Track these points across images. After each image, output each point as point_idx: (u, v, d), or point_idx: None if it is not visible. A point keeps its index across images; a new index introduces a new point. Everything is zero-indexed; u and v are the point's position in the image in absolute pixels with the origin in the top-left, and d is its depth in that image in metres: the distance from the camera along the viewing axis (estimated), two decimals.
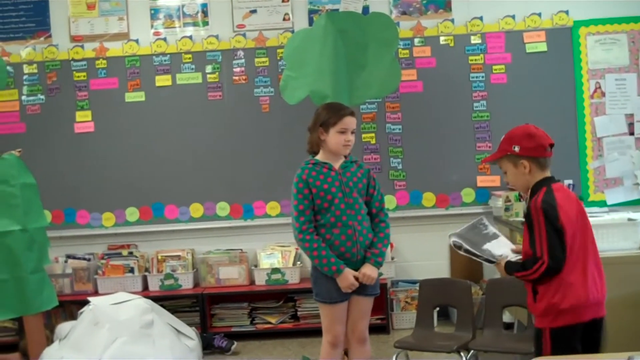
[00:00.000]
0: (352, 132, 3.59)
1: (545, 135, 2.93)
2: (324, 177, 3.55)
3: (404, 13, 5.84)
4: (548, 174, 2.92)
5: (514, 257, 2.92)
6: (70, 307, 5.58)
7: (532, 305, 2.84)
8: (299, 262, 5.69)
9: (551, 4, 5.74)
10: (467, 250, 3.02)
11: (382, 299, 5.55)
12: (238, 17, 5.88)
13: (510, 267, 2.87)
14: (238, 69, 5.84)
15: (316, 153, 3.66)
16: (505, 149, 2.92)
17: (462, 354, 3.86)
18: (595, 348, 2.82)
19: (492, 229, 3.12)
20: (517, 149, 2.87)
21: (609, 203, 5.67)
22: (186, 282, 5.67)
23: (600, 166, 5.74)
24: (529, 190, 2.91)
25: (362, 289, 3.55)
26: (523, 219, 2.87)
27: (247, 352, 5.30)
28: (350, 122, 3.57)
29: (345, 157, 3.66)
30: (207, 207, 5.86)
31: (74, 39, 5.92)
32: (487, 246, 2.99)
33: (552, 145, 2.94)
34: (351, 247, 3.52)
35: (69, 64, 5.87)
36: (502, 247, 2.99)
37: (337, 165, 3.61)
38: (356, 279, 3.50)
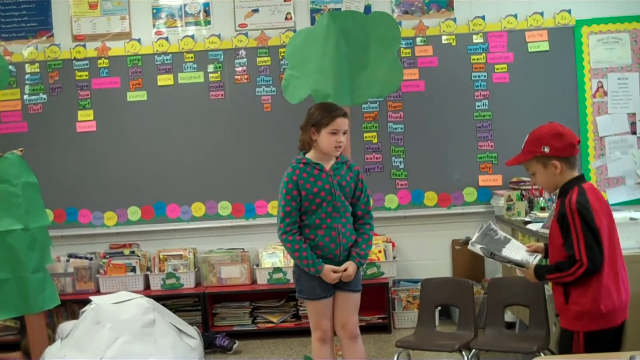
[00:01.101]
0: (344, 133, 3.59)
1: (572, 133, 2.87)
2: (315, 179, 3.56)
3: (405, 12, 5.84)
4: (577, 172, 2.87)
5: (532, 259, 2.92)
6: (72, 306, 5.59)
7: (564, 306, 2.80)
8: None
9: (553, 3, 5.73)
10: (498, 257, 2.97)
11: (383, 298, 5.56)
12: (240, 16, 5.88)
13: (542, 271, 2.83)
14: (240, 68, 5.84)
15: (308, 151, 3.66)
16: (533, 150, 2.87)
17: (463, 353, 3.85)
18: (618, 349, 2.79)
19: (501, 233, 3.11)
20: (547, 149, 2.82)
21: (611, 202, 5.61)
22: (188, 282, 5.68)
23: (602, 165, 5.73)
24: (558, 191, 2.86)
25: (344, 285, 3.61)
26: (558, 219, 2.76)
27: (249, 351, 5.31)
28: (342, 123, 3.57)
29: (337, 157, 3.66)
30: (208, 206, 5.86)
31: (76, 38, 5.92)
32: (505, 252, 2.96)
33: (579, 143, 2.89)
34: (334, 248, 3.57)
35: (71, 64, 5.87)
36: (519, 251, 2.98)
37: (328, 166, 3.61)
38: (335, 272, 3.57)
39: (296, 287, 3.70)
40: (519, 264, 2.93)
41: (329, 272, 3.55)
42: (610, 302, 2.72)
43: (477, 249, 2.99)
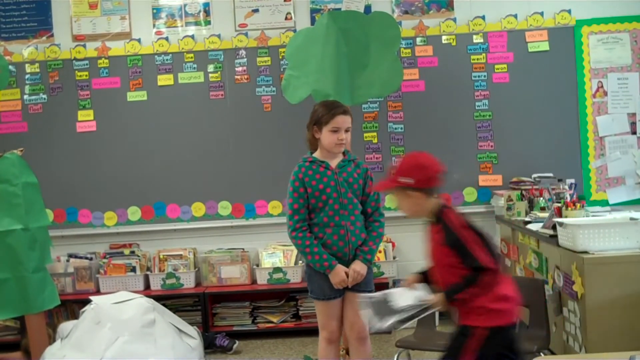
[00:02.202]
0: (347, 131, 3.59)
1: (436, 164, 2.88)
2: (320, 176, 3.57)
3: (406, 12, 5.84)
4: (439, 198, 2.90)
5: (424, 290, 2.88)
6: (72, 306, 5.60)
7: (462, 305, 2.82)
8: (300, 262, 5.68)
9: (553, 3, 5.73)
10: (401, 322, 2.86)
11: None
12: (240, 16, 5.88)
13: (450, 292, 2.80)
14: (240, 68, 5.84)
15: (315, 149, 3.67)
16: (396, 180, 2.87)
17: None
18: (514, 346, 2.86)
19: (377, 294, 2.99)
20: (409, 181, 2.83)
21: (610, 202, 5.66)
22: (188, 282, 5.68)
23: (602, 165, 5.73)
24: (433, 218, 2.88)
25: (355, 286, 3.57)
26: (447, 244, 2.80)
27: (249, 351, 5.31)
28: (342, 121, 3.56)
29: (344, 154, 3.66)
30: (209, 206, 5.86)
31: (76, 38, 5.92)
32: (399, 305, 2.86)
33: (442, 173, 2.90)
34: (343, 246, 3.55)
35: (71, 64, 5.87)
36: (405, 294, 2.90)
37: (334, 164, 3.61)
38: (347, 275, 3.54)
39: (308, 286, 3.69)
40: (422, 306, 2.85)
41: (341, 272, 3.51)
42: (507, 301, 2.80)
43: (388, 326, 2.86)
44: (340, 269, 3.52)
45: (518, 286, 3.95)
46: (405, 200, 2.90)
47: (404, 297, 2.89)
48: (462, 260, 2.76)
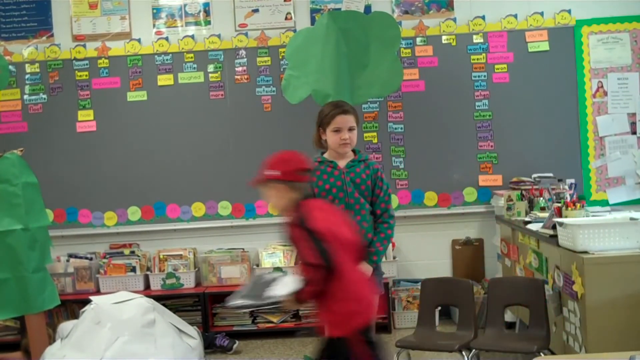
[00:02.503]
0: (351, 130, 3.58)
1: (301, 160, 3.03)
2: (327, 176, 3.58)
3: (406, 12, 5.84)
4: (304, 193, 3.02)
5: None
6: (72, 306, 5.59)
7: (326, 317, 2.89)
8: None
9: (553, 3, 5.73)
10: (245, 306, 3.03)
11: (383, 298, 5.55)
12: (240, 16, 5.88)
13: (298, 293, 2.87)
14: (240, 68, 5.84)
15: (324, 150, 3.68)
16: (265, 174, 3.01)
17: (463, 353, 3.85)
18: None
19: (272, 275, 3.11)
20: (275, 173, 2.98)
21: (610, 202, 5.66)
22: (188, 281, 5.68)
23: (602, 165, 5.73)
24: (295, 210, 2.97)
25: None
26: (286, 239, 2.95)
27: (249, 351, 5.31)
28: (342, 120, 3.57)
29: (355, 154, 3.65)
30: (209, 206, 5.86)
31: (76, 38, 5.92)
32: (270, 292, 2.94)
33: (308, 170, 3.06)
34: None
35: (71, 63, 5.87)
36: (288, 285, 2.95)
37: (342, 164, 3.61)
38: None
39: None
40: (272, 303, 2.93)
41: None
42: (362, 300, 2.89)
43: (230, 305, 2.97)
44: None
45: (518, 286, 3.97)
46: (272, 194, 3.02)
47: (283, 286, 2.95)
48: (308, 253, 2.83)
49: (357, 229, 3.54)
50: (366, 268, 3.53)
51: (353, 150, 3.68)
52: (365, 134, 5.76)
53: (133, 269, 5.69)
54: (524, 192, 5.25)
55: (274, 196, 3.02)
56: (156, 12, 5.91)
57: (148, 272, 5.73)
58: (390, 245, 5.68)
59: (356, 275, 2.96)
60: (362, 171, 3.60)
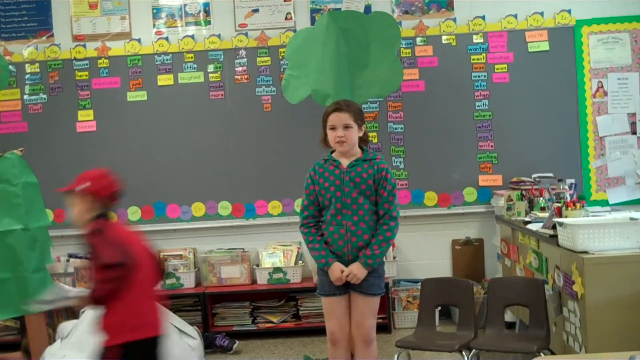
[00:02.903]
0: (347, 127, 3.57)
1: (112, 180, 3.14)
2: (328, 175, 3.59)
3: (406, 12, 5.84)
4: (106, 212, 3.11)
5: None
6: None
7: (104, 320, 2.94)
8: (300, 262, 5.69)
9: (553, 3, 5.73)
10: (41, 303, 3.08)
11: (383, 298, 5.54)
12: (240, 16, 5.88)
13: (93, 290, 2.93)
14: (240, 68, 5.84)
15: (331, 149, 3.69)
16: (74, 184, 3.07)
17: (463, 353, 3.85)
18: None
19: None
20: (85, 185, 3.05)
21: (610, 202, 5.66)
22: (188, 282, 5.68)
23: (602, 165, 5.73)
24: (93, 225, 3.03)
25: (357, 287, 3.57)
26: None
27: (249, 351, 5.31)
28: (335, 118, 3.57)
29: (362, 153, 3.64)
30: (209, 206, 5.86)
31: (76, 38, 5.92)
32: (68, 292, 3.06)
33: (119, 194, 3.16)
34: (342, 246, 3.55)
35: (71, 63, 5.87)
36: (83, 290, 3.07)
37: (345, 162, 3.61)
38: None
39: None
40: (68, 298, 3.02)
41: (337, 269, 3.52)
42: (142, 316, 2.96)
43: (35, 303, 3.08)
44: (336, 266, 3.53)
45: (518, 286, 3.97)
46: (76, 206, 3.07)
47: (83, 290, 3.07)
48: (106, 254, 2.89)
49: (353, 229, 3.55)
50: (358, 269, 3.51)
51: (362, 149, 3.67)
52: None
53: None
54: (524, 192, 5.25)
55: (77, 208, 3.06)
56: (156, 12, 5.91)
57: None
58: (390, 245, 5.68)
59: (144, 291, 2.99)
60: (364, 170, 3.58)
